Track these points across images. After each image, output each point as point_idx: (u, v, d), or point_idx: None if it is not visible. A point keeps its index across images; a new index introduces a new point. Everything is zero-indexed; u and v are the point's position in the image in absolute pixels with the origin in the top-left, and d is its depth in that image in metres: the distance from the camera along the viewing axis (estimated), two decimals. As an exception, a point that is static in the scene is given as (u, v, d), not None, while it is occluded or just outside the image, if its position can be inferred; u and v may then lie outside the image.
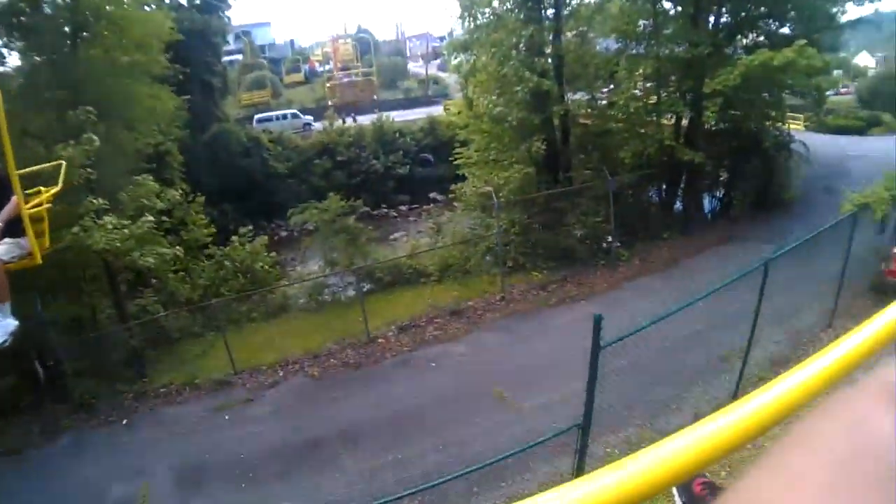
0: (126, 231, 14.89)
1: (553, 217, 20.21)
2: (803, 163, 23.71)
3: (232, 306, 19.17)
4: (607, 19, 21.12)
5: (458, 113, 39.43)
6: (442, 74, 66.79)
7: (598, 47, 21.74)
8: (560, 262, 19.53)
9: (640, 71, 18.81)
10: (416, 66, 74.95)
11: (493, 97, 19.73)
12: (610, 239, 19.74)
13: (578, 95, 21.34)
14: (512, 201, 19.50)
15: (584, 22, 20.33)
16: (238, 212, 36.44)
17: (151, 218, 15.63)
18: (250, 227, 21.77)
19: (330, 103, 48.51)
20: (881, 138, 36.07)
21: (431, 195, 39.83)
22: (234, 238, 20.56)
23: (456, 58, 21.74)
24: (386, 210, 39.25)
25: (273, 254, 21.60)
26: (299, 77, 64.00)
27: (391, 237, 32.29)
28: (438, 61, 72.94)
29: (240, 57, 63.66)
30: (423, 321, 17.00)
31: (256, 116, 48.24)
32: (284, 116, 48.14)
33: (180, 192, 19.37)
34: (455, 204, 34.70)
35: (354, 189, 37.70)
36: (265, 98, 48.19)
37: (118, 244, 14.63)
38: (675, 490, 2.67)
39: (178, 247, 17.09)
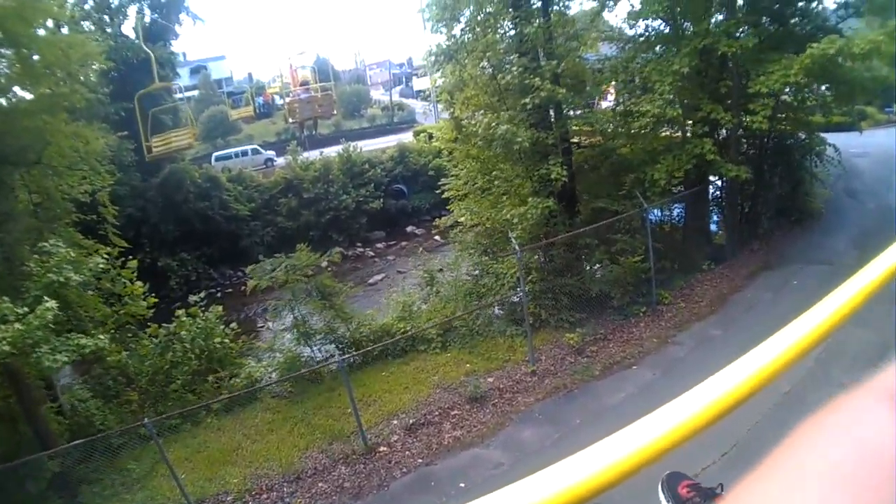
0: (18, 326, 10.02)
1: (577, 258, 15.76)
2: (833, 167, 19.91)
3: (187, 398, 14.45)
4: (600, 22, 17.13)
5: (432, 138, 35.43)
6: (406, 101, 63.17)
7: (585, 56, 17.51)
8: (590, 314, 14.94)
9: (677, 68, 14.30)
10: (378, 94, 70.94)
11: (491, 114, 15.11)
12: (649, 279, 15.23)
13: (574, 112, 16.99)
14: (526, 241, 14.88)
15: (573, 24, 16.14)
16: (199, 260, 32.21)
17: (53, 304, 10.64)
18: (201, 295, 16.52)
19: (290, 120, 43.80)
20: (871, 132, 33.15)
21: (409, 229, 35.57)
22: (180, 313, 15.40)
23: (438, 69, 17.15)
24: (361, 249, 34.36)
25: (233, 325, 16.46)
26: (249, 111, 56.93)
27: (370, 281, 27.57)
28: (401, 87, 69.20)
29: (195, 93, 58.86)
30: (436, 414, 12.15)
31: (214, 154, 43.85)
32: (245, 153, 43.72)
33: (106, 255, 14.52)
34: (437, 238, 30.62)
35: (325, 228, 33.52)
36: (185, 140, 33.40)
37: (6, 346, 9.76)
38: (661, 494, 2.22)
39: (101, 335, 12.14)
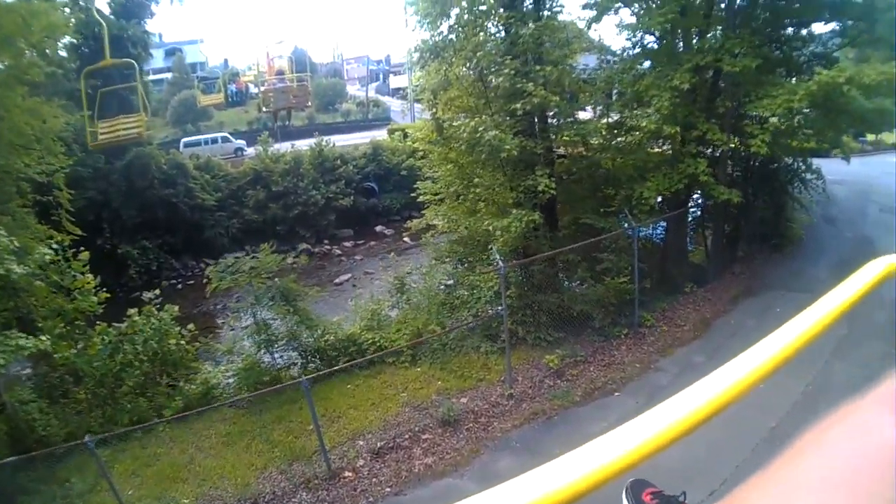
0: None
1: (556, 274, 14.90)
2: (817, 194, 19.81)
3: (138, 403, 13.17)
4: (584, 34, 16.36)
5: (406, 137, 34.36)
6: (381, 98, 62.09)
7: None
8: (569, 333, 14.02)
9: (677, 83, 13.48)
10: (354, 89, 69.63)
11: (478, 118, 14.05)
12: (632, 300, 14.38)
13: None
14: (507, 254, 13.84)
15: (563, 31, 15.25)
16: (161, 249, 30.77)
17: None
18: (157, 292, 15.08)
19: (264, 109, 42.61)
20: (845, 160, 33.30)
21: (378, 228, 34.54)
22: (132, 312, 14.01)
23: (422, 66, 16.06)
24: (329, 247, 33.17)
25: (191, 326, 15.06)
26: (219, 99, 51.96)
27: (336, 280, 26.35)
28: (377, 84, 68.18)
29: (168, 75, 57.08)
30: (406, 437, 11.07)
31: (183, 140, 42.30)
32: (214, 140, 42.28)
33: (57, 244, 13.32)
34: (406, 239, 29.65)
35: (292, 223, 32.36)
36: (134, 128, 25.97)
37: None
38: (624, 500, 2.18)
39: (43, 336, 10.90)
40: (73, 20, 28.42)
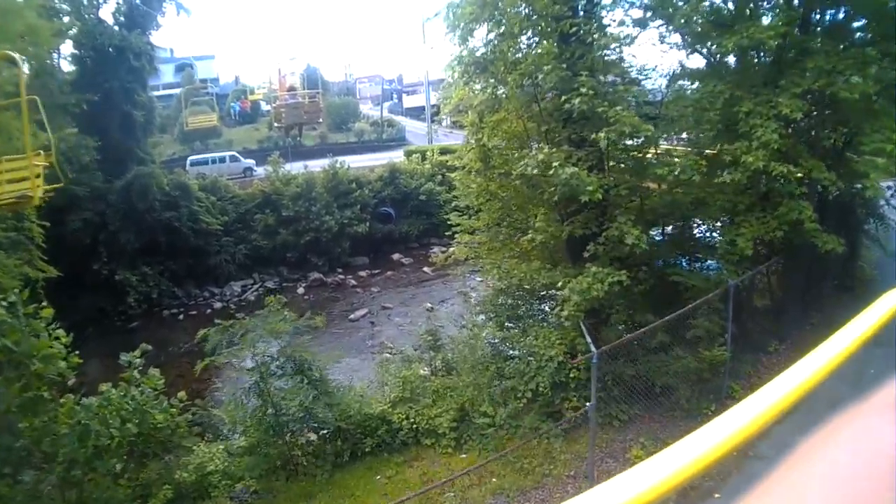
0: None
1: (639, 345, 11.93)
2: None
3: (117, 492, 10.34)
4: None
5: (424, 160, 31.88)
6: (395, 117, 59.62)
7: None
8: (643, 409, 11.12)
9: (787, 112, 10.54)
10: (367, 109, 67.29)
11: (547, 148, 10.90)
12: (724, 369, 11.38)
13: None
14: (574, 317, 10.71)
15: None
16: (162, 275, 28.10)
17: None
18: (136, 354, 11.65)
19: (276, 125, 40.35)
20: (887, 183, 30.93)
21: (395, 257, 31.70)
22: (105, 387, 10.77)
23: (466, 83, 13.23)
24: (342, 276, 29.95)
25: (181, 394, 12.04)
26: (210, 119, 44.38)
27: (351, 317, 23.54)
28: (389, 104, 65.95)
29: (178, 91, 54.24)
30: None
31: (189, 158, 39.41)
32: (222, 159, 39.42)
33: (13, 295, 10.17)
34: (426, 270, 26.94)
35: (303, 250, 29.55)
36: (19, 180, 11.65)
37: None
38: None
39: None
40: (73, 29, 26.10)
